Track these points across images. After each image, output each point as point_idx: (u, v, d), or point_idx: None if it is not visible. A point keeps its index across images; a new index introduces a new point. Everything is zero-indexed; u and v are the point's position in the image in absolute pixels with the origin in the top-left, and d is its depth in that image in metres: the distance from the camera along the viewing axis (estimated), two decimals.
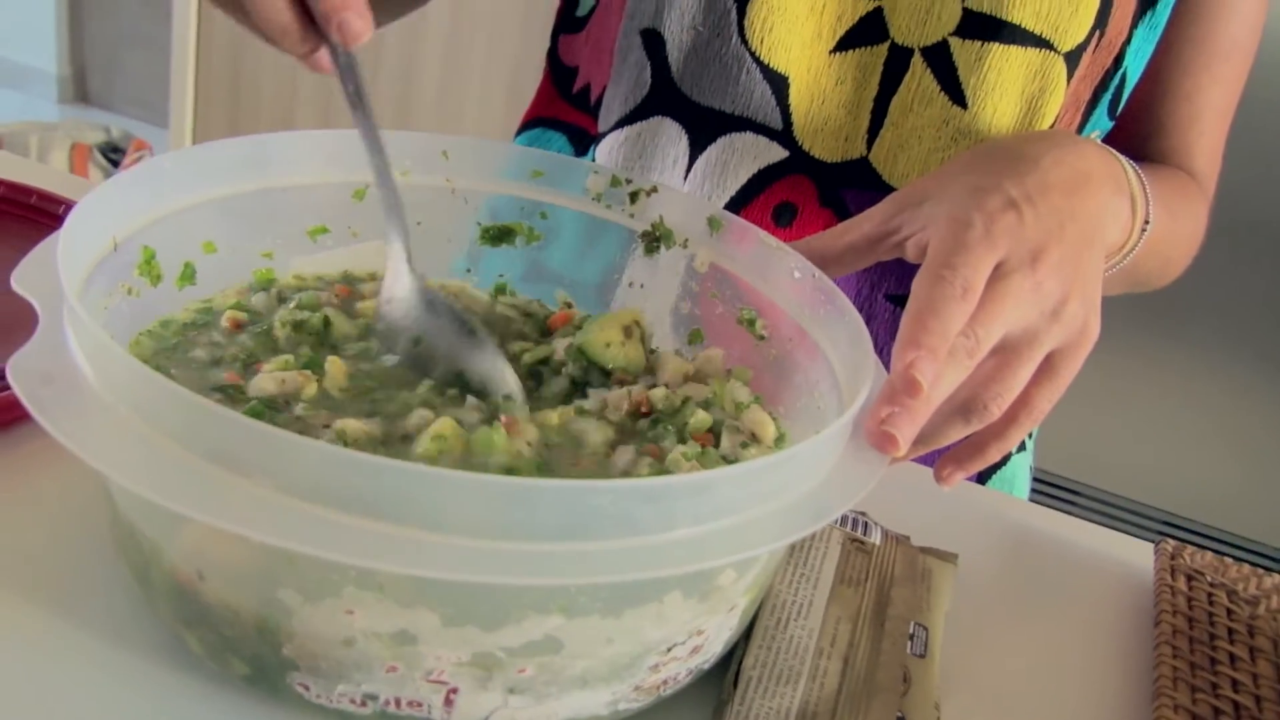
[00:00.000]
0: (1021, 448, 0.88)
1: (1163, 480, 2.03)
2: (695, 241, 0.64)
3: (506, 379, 0.55)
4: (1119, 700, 0.58)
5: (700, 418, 0.56)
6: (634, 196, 0.65)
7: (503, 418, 0.51)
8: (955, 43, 0.72)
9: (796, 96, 0.75)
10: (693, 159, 0.78)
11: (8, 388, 0.54)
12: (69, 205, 0.78)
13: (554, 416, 0.54)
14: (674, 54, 0.76)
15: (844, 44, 0.74)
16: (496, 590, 0.41)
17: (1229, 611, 0.63)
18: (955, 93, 0.73)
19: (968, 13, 0.72)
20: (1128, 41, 0.75)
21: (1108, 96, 0.78)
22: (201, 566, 0.43)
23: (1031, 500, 0.83)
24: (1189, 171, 0.80)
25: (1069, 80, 0.73)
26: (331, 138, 0.61)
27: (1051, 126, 0.74)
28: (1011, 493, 0.86)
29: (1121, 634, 0.63)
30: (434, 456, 0.48)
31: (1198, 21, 0.77)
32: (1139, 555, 0.69)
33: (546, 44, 0.91)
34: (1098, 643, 0.62)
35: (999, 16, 0.71)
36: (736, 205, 0.78)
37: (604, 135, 0.81)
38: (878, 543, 0.60)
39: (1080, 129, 0.78)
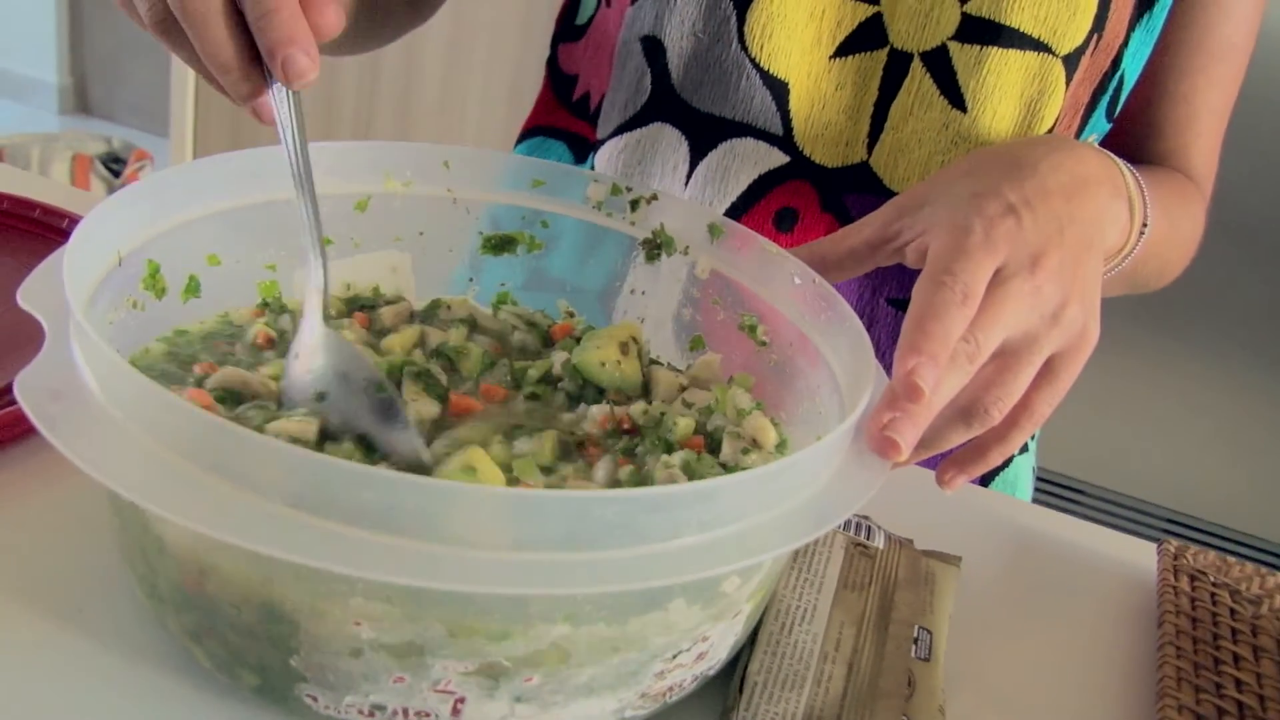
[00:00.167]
0: (1024, 450, 0.88)
1: (1167, 479, 2.03)
2: (696, 248, 0.65)
3: (421, 458, 0.50)
4: (1123, 701, 0.58)
5: (684, 425, 0.56)
6: (634, 204, 0.66)
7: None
8: (954, 47, 0.72)
9: (797, 102, 0.75)
10: (693, 165, 0.78)
11: (14, 403, 0.55)
12: (73, 219, 0.78)
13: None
14: (674, 60, 0.76)
15: (843, 49, 0.75)
16: (503, 600, 0.41)
17: (1232, 611, 0.63)
18: (955, 97, 0.73)
19: (966, 17, 0.72)
20: (1125, 44, 0.76)
21: (1106, 99, 0.78)
22: (209, 580, 0.43)
23: (1036, 500, 0.83)
24: (1186, 172, 0.81)
25: (1068, 83, 0.73)
26: (332, 150, 0.62)
27: (1051, 129, 0.74)
28: (1014, 495, 0.86)
29: (1125, 635, 0.63)
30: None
31: (1194, 24, 0.77)
32: (1142, 556, 0.69)
33: (546, 52, 0.91)
34: (1101, 644, 0.62)
35: (998, 21, 0.71)
36: (737, 211, 0.78)
37: (603, 142, 0.81)
38: (881, 547, 0.61)
39: (1079, 131, 0.79)
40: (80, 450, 0.38)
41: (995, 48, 0.72)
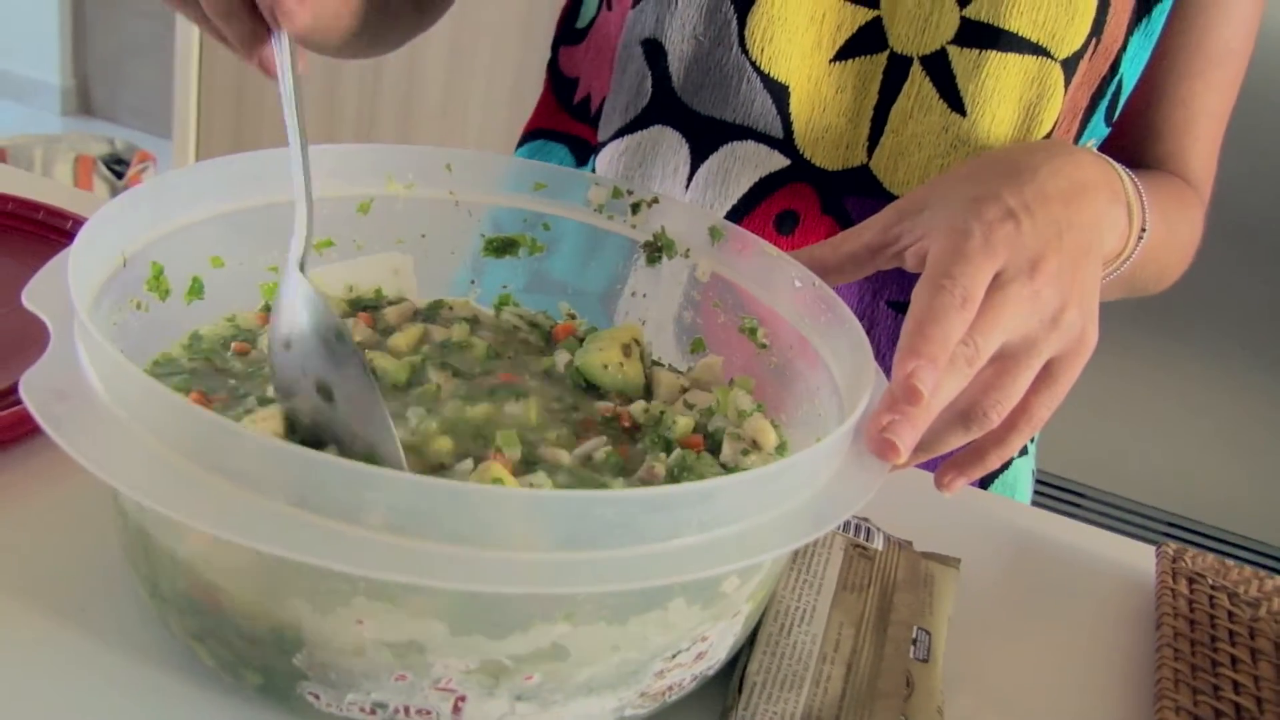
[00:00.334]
0: (1023, 453, 0.89)
1: (1167, 482, 2.03)
2: (697, 251, 0.65)
3: (380, 410, 0.49)
4: (1120, 702, 0.58)
5: (683, 423, 0.57)
6: (635, 207, 0.66)
7: None
8: (953, 51, 0.73)
9: (797, 105, 0.76)
10: (694, 168, 0.79)
11: (18, 403, 0.55)
12: (76, 220, 0.78)
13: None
14: (675, 64, 0.76)
15: (844, 53, 0.75)
16: (503, 599, 0.42)
17: (1230, 614, 0.63)
18: (954, 100, 0.73)
19: (965, 21, 0.72)
20: (1124, 48, 0.76)
21: (1105, 103, 0.78)
22: (213, 579, 0.43)
23: (1036, 503, 0.83)
24: (1184, 176, 0.81)
25: (1066, 87, 0.73)
26: (335, 152, 0.62)
27: (1049, 133, 0.74)
28: (1014, 497, 0.87)
29: (1123, 637, 0.63)
30: None
31: (1192, 28, 0.78)
32: (1140, 558, 0.70)
33: (547, 55, 0.91)
34: (1099, 646, 0.62)
35: (996, 25, 0.72)
36: (738, 214, 0.78)
37: (604, 144, 0.81)
38: (880, 548, 0.61)
39: (1078, 135, 0.79)
40: (85, 450, 0.39)
41: (994, 52, 0.72)
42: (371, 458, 0.48)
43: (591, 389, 0.61)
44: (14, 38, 3.53)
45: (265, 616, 0.43)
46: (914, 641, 0.55)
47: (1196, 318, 1.91)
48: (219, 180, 0.58)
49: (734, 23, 0.74)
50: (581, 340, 0.64)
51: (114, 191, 2.79)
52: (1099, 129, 0.80)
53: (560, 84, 0.90)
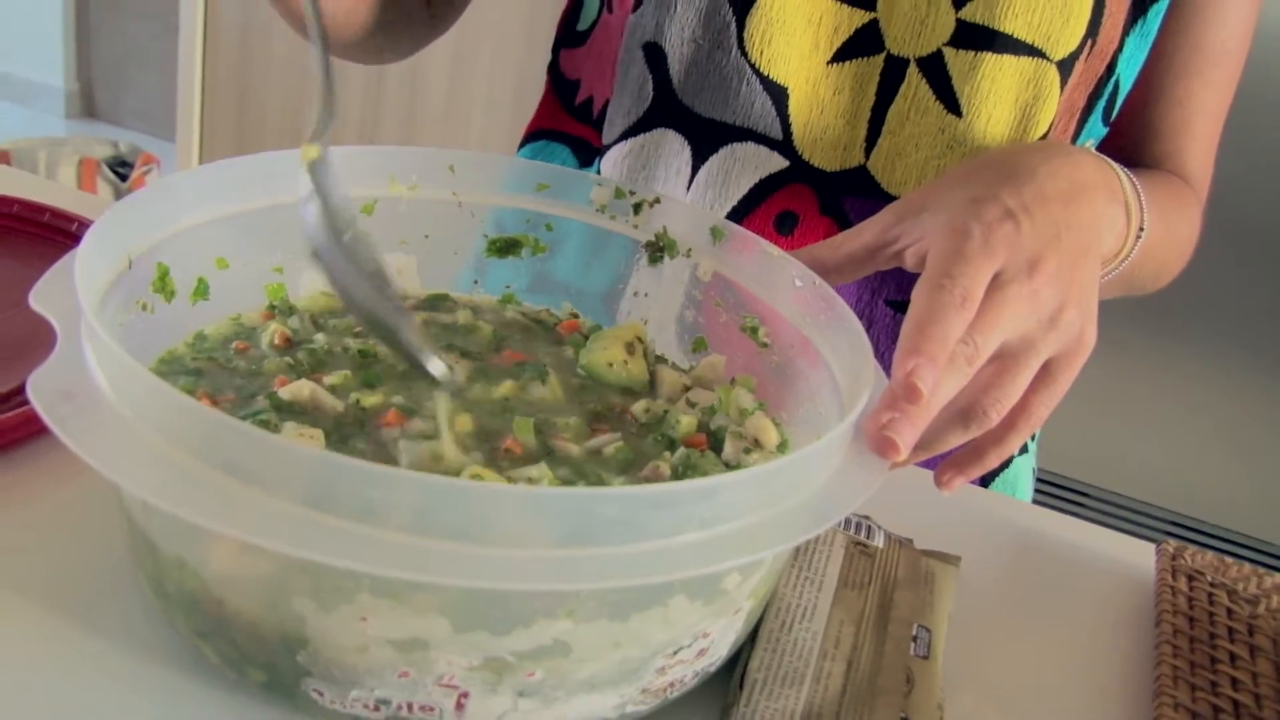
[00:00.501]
0: (1023, 451, 0.89)
1: (1167, 480, 2.03)
2: (698, 251, 0.65)
3: (433, 362, 0.55)
4: (1120, 699, 0.58)
5: (686, 422, 0.57)
6: (637, 208, 0.66)
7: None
8: (949, 53, 0.73)
9: (796, 107, 0.76)
10: (695, 169, 0.79)
11: (26, 404, 0.56)
12: (81, 223, 0.79)
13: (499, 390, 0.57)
14: (675, 67, 0.77)
15: (841, 55, 0.75)
16: (506, 596, 0.42)
17: (1229, 611, 0.63)
18: (950, 102, 0.74)
19: (961, 23, 0.73)
20: (1120, 49, 0.76)
21: (1101, 103, 0.79)
22: (218, 577, 0.44)
23: (1037, 501, 0.84)
24: (1182, 175, 0.81)
25: (1062, 88, 0.74)
26: (338, 154, 0.62)
27: (1046, 133, 0.75)
28: (1014, 496, 0.87)
29: (1123, 634, 0.63)
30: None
31: (1188, 28, 0.78)
32: (1140, 556, 0.70)
33: (549, 57, 0.92)
34: (1099, 643, 0.62)
35: (992, 27, 0.72)
36: (739, 214, 0.79)
37: (609, 147, 0.82)
38: (881, 546, 0.61)
39: (1075, 135, 0.79)
40: (92, 450, 0.39)
41: (990, 53, 0.72)
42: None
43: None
44: (18, 41, 3.54)
45: (270, 614, 0.43)
46: (914, 639, 0.55)
47: (1195, 317, 1.92)
48: (223, 183, 0.58)
49: (733, 26, 0.74)
50: (586, 337, 0.65)
51: (118, 194, 2.80)
52: (1096, 129, 0.80)
53: (561, 86, 0.91)
